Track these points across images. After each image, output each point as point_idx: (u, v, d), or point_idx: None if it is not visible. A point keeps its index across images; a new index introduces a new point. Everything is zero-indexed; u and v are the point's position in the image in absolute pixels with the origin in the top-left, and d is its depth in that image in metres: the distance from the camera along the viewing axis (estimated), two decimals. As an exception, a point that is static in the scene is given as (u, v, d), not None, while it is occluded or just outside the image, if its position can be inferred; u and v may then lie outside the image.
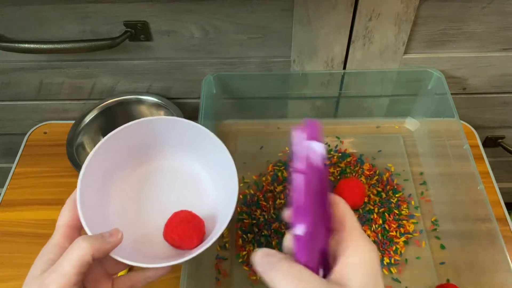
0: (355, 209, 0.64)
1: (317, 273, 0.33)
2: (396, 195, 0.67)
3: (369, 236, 0.62)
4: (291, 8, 0.61)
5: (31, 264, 0.38)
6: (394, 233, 0.63)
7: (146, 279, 0.43)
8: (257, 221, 0.64)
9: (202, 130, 0.50)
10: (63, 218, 0.41)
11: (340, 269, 0.33)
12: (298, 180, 0.34)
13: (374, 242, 0.62)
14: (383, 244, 0.62)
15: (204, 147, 0.51)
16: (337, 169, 0.70)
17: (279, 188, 0.68)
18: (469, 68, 0.70)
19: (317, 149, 0.35)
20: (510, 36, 0.66)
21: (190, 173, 0.53)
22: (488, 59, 0.69)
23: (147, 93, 0.74)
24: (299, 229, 0.33)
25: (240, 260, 0.61)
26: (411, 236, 0.63)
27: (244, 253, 0.61)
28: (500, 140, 0.87)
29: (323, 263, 0.35)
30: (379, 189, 0.67)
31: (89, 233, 0.41)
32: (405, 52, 0.68)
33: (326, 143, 0.74)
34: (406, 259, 0.61)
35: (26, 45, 0.63)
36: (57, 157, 0.72)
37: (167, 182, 0.53)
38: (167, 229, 0.47)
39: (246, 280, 0.60)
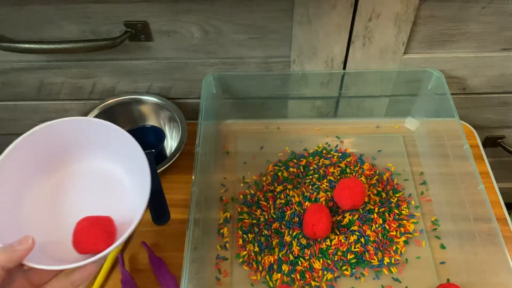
0: (355, 209, 0.64)
1: None
2: (396, 195, 0.67)
3: (369, 236, 0.62)
4: (291, 8, 0.61)
5: None
6: (394, 233, 0.63)
7: (73, 283, 0.42)
8: (257, 221, 0.64)
9: (106, 125, 0.49)
10: None
11: None
12: None
13: (374, 241, 0.62)
14: (383, 244, 0.62)
15: (114, 143, 0.50)
16: (337, 169, 0.70)
17: (279, 188, 0.68)
18: (469, 68, 0.71)
19: None
20: (510, 36, 0.66)
21: (105, 172, 0.52)
22: (488, 59, 0.69)
23: (147, 93, 0.74)
24: None
25: (240, 260, 0.61)
26: (411, 236, 0.63)
27: (245, 253, 0.62)
28: (500, 140, 0.87)
29: None
30: (379, 189, 0.67)
31: None
32: (405, 52, 0.68)
33: (326, 143, 0.74)
34: (406, 259, 0.61)
35: (26, 45, 0.63)
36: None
37: (83, 184, 0.51)
38: (74, 243, 0.46)
39: (246, 280, 0.60)
